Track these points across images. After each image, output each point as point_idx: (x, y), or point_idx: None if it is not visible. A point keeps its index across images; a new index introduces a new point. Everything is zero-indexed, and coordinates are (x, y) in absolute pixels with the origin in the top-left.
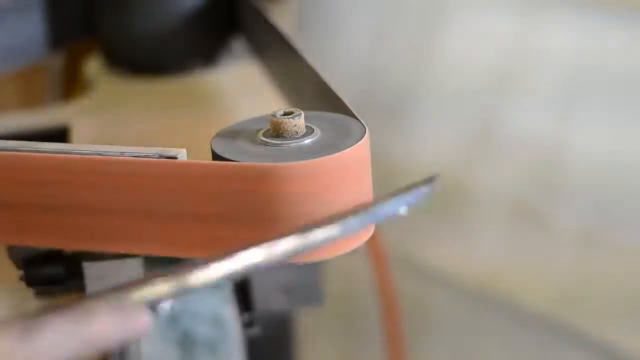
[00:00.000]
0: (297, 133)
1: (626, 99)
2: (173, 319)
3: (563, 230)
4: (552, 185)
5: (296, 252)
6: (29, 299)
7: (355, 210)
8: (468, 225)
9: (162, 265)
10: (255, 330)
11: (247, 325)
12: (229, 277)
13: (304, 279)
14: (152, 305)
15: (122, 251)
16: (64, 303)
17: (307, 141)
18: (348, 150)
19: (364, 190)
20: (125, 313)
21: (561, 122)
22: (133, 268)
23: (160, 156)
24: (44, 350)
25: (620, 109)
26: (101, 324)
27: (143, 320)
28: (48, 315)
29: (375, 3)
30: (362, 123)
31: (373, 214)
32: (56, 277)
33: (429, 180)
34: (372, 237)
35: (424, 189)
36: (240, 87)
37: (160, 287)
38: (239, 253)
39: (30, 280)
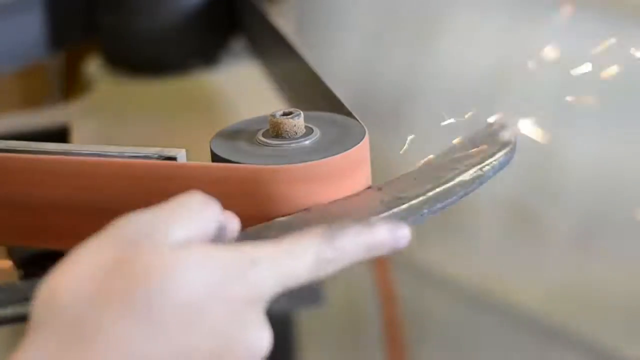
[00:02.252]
0: (296, 133)
1: (624, 103)
2: None
3: (558, 234)
4: (548, 188)
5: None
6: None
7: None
8: (466, 227)
9: None
10: None
11: None
12: None
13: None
14: None
15: None
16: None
17: (307, 142)
18: (348, 151)
19: None
20: (395, 227)
21: (559, 125)
22: None
23: (160, 156)
24: (343, 251)
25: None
26: (380, 234)
27: (405, 233)
28: (345, 225)
29: (374, 4)
30: (361, 124)
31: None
32: None
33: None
34: None
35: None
36: (240, 87)
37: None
38: None
39: None
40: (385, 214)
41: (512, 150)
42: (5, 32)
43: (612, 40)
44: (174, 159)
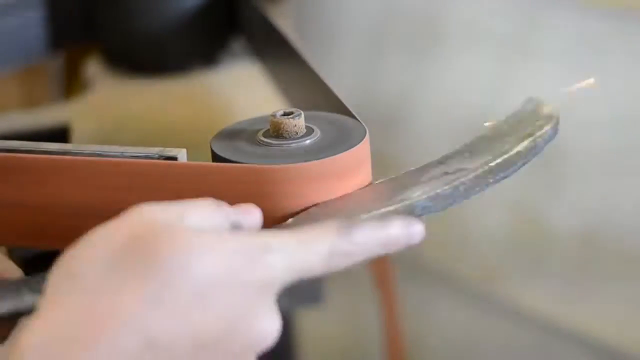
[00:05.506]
0: (297, 133)
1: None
2: None
3: (562, 231)
4: (550, 188)
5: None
6: None
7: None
8: (467, 225)
9: None
10: None
11: None
12: None
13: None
14: None
15: None
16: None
17: (307, 141)
18: (349, 151)
19: None
20: (409, 222)
21: (562, 128)
22: None
23: (160, 156)
24: (358, 245)
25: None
26: (395, 229)
27: (420, 229)
28: (359, 220)
29: (374, 6)
30: (362, 124)
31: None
32: None
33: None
34: None
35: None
36: (240, 87)
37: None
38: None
39: None
40: (447, 186)
41: (557, 123)
42: (5, 32)
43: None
44: (174, 158)
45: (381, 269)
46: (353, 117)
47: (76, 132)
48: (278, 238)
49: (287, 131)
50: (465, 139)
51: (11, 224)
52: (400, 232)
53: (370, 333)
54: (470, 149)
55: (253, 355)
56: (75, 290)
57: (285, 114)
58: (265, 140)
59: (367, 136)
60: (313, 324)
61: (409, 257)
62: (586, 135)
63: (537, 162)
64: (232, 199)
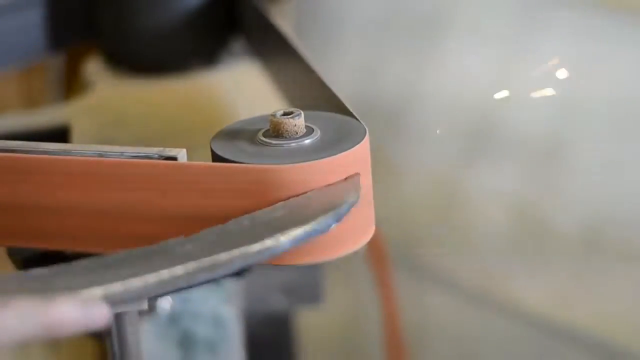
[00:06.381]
0: (297, 133)
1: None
2: (173, 319)
3: (563, 233)
4: (551, 188)
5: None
6: None
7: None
8: (467, 226)
9: None
10: None
11: None
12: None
13: (304, 279)
14: (152, 305)
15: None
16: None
17: (307, 141)
18: (349, 151)
19: (364, 191)
20: (85, 305)
21: (562, 128)
22: None
23: (160, 156)
24: (4, 327)
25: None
26: (61, 313)
27: (102, 312)
28: (13, 297)
29: (375, 5)
30: (362, 123)
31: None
32: None
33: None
34: (373, 238)
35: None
36: (240, 87)
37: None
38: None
39: None
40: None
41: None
42: (5, 32)
43: (617, 45)
44: (174, 158)
45: (381, 269)
46: (353, 116)
47: (76, 132)
48: None
49: (287, 131)
50: (466, 139)
51: (11, 224)
52: (75, 316)
53: (370, 333)
54: None
55: None
56: None
57: (285, 114)
58: (265, 140)
59: (367, 136)
60: (313, 324)
61: (409, 256)
62: (586, 130)
63: (537, 161)
64: (232, 199)
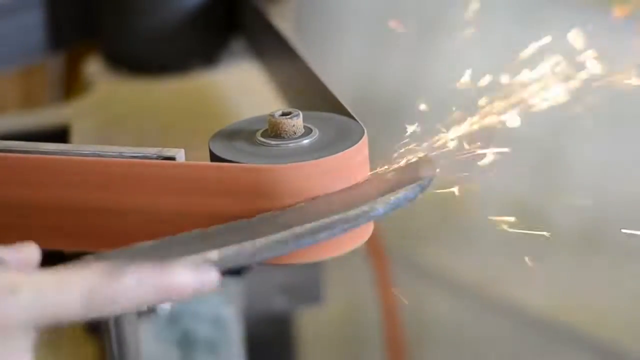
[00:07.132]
0: (295, 133)
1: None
2: (173, 319)
3: (563, 232)
4: (552, 187)
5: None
6: None
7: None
8: (468, 227)
9: None
10: None
11: None
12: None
13: (304, 279)
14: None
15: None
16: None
17: (306, 141)
18: (347, 151)
19: None
20: (198, 270)
21: (562, 128)
22: None
23: (159, 156)
24: (125, 291)
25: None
26: (176, 277)
27: (212, 277)
28: (133, 264)
29: (374, 5)
30: (360, 124)
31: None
32: None
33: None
34: (372, 237)
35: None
36: (240, 87)
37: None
38: None
39: None
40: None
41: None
42: (5, 32)
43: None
44: (172, 158)
45: (380, 267)
46: (351, 117)
47: (76, 132)
48: (28, 279)
49: (285, 131)
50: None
51: (10, 224)
52: (188, 280)
53: (369, 331)
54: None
55: None
56: None
57: (284, 114)
58: (264, 140)
59: (365, 135)
60: (313, 323)
61: (409, 256)
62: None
63: (537, 160)
64: (230, 199)
